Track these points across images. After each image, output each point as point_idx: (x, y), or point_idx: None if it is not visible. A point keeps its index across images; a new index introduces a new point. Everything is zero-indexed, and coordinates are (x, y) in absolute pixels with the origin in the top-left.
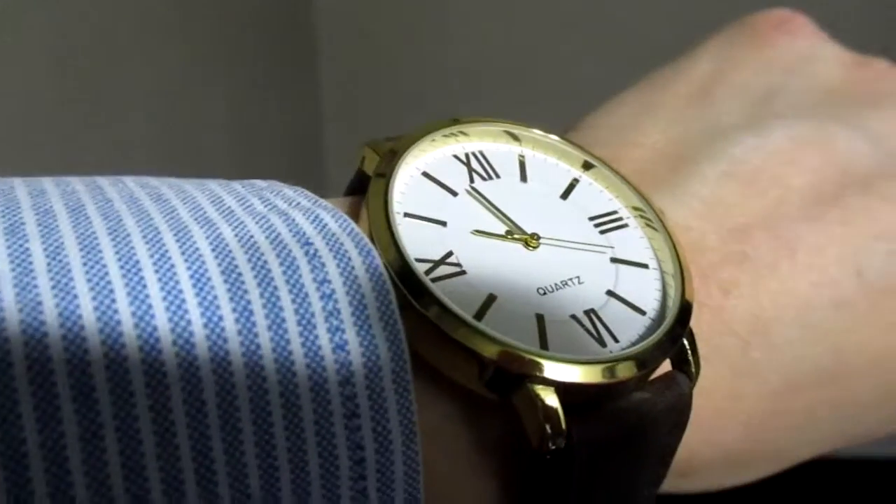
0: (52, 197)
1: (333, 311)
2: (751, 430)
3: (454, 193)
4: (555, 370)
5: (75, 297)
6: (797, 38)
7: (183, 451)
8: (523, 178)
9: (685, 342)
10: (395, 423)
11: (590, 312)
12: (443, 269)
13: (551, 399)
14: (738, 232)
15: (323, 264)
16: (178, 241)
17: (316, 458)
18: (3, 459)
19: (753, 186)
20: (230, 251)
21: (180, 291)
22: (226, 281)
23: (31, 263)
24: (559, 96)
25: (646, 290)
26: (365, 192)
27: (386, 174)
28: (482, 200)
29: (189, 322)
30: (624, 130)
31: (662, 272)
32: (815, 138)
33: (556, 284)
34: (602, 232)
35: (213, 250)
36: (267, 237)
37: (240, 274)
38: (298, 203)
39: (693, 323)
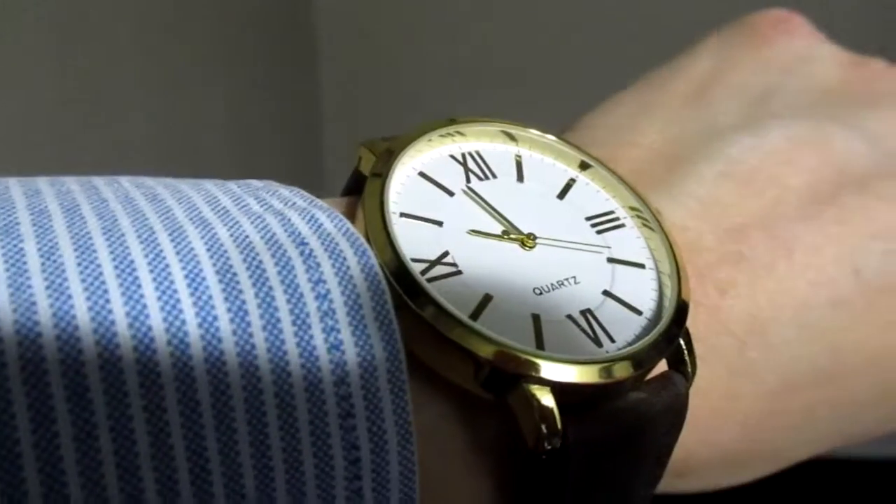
0: (47, 197)
1: (328, 312)
2: (748, 430)
3: (450, 193)
4: (551, 370)
5: (69, 297)
6: (794, 38)
7: (177, 451)
8: (520, 178)
9: (681, 342)
10: (390, 423)
11: (586, 312)
12: (439, 269)
13: (547, 399)
14: (735, 232)
15: (318, 264)
16: (173, 241)
17: (311, 458)
18: None
19: (750, 186)
20: (225, 251)
21: (175, 291)
22: (220, 281)
23: (25, 264)
24: (558, 96)
25: (642, 290)
26: (361, 192)
27: (382, 174)
28: (478, 200)
29: (184, 322)
30: (621, 130)
31: (659, 272)
32: (812, 138)
33: (552, 284)
34: (599, 232)
35: (208, 250)
36: (262, 237)
37: (235, 274)
38: (294, 203)
39: (689, 323)
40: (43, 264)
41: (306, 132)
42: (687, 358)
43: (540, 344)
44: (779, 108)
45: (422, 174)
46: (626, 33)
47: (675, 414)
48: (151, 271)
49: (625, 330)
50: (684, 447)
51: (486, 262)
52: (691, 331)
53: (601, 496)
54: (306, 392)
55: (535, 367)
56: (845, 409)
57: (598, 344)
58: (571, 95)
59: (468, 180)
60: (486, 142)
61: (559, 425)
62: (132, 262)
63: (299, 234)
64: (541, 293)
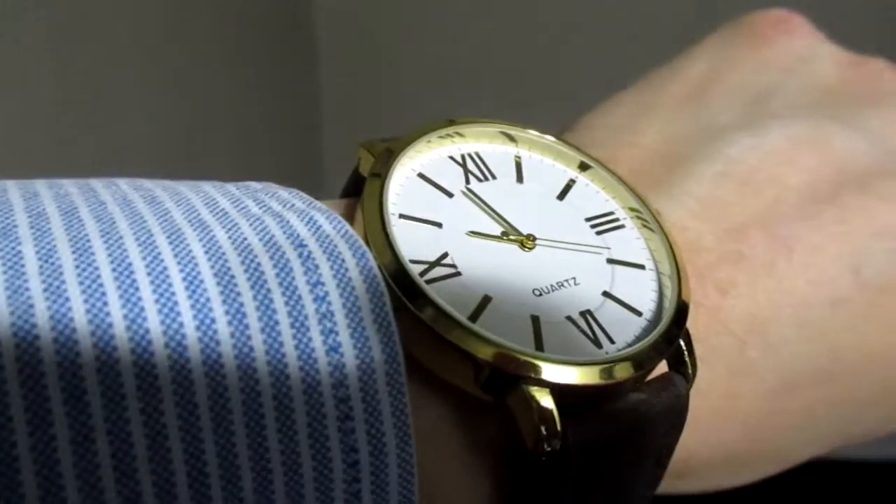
0: (45, 199)
1: (327, 314)
2: (749, 430)
3: (450, 195)
4: (550, 371)
5: (67, 299)
6: (794, 38)
7: (175, 454)
8: (519, 179)
9: (682, 343)
10: (389, 425)
11: (586, 313)
12: (438, 271)
13: (546, 400)
14: (735, 231)
15: (316, 266)
16: (171, 243)
17: (309, 460)
18: None
19: (750, 186)
20: (223, 253)
21: (173, 294)
22: (218, 283)
23: (23, 266)
24: (558, 97)
25: (642, 290)
26: (361, 193)
27: (381, 175)
28: (478, 201)
29: (181, 325)
30: (620, 131)
31: (659, 273)
32: (811, 138)
33: (551, 286)
34: (598, 233)
35: (206, 253)
36: (260, 239)
37: (233, 276)
38: (293, 205)
39: (689, 323)
40: (41, 267)
41: (306, 132)
42: (687, 359)
43: (539, 345)
44: (778, 107)
45: (421, 175)
46: (626, 33)
47: (676, 415)
48: (149, 274)
49: (625, 331)
50: (685, 448)
51: (486, 264)
52: (691, 331)
53: (601, 497)
54: (305, 395)
55: (535, 368)
56: (845, 407)
57: (598, 345)
58: (571, 95)
59: (467, 181)
60: (485, 143)
61: (559, 427)
62: (130, 264)
63: (298, 236)
64: (540, 294)
